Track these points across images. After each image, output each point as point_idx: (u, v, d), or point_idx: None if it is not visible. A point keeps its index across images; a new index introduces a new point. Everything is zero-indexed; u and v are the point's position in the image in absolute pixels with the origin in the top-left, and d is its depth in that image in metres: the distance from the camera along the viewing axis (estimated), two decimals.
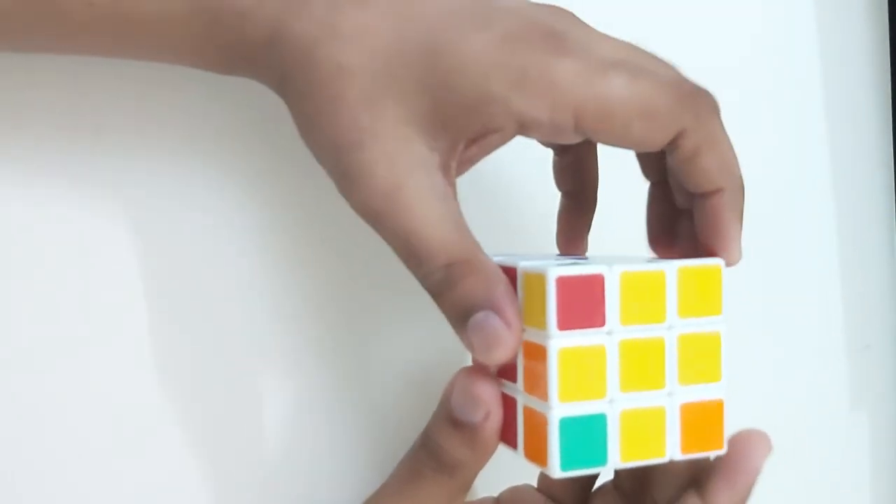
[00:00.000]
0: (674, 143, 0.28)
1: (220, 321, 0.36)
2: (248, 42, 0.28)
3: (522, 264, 0.27)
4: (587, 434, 0.26)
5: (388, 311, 0.39)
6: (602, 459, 0.26)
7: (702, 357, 0.27)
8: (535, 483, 0.34)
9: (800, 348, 0.51)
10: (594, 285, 0.25)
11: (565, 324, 0.25)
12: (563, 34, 0.28)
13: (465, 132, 0.27)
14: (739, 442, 0.28)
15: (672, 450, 0.27)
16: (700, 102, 0.28)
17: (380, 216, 0.27)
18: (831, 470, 0.54)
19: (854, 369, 0.53)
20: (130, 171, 0.34)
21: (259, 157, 0.36)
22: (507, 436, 0.28)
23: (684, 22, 0.46)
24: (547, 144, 0.34)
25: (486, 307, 0.26)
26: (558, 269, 0.25)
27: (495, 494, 0.34)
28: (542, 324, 0.25)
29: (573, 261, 0.29)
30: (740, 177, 0.29)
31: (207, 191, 0.35)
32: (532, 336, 0.26)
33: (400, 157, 0.27)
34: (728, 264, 0.28)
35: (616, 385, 0.26)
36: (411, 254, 0.27)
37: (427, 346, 0.39)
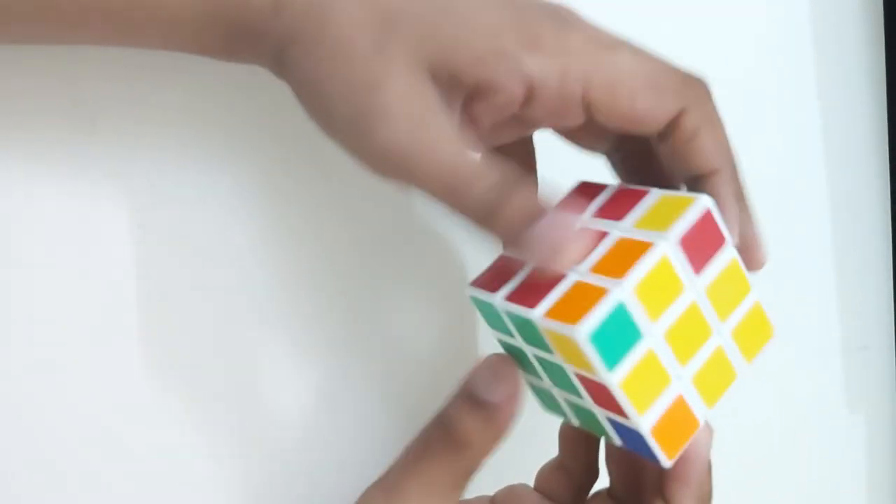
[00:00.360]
0: (675, 123, 0.28)
1: (223, 314, 0.36)
2: (253, 11, 0.27)
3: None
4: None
5: (399, 303, 0.39)
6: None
7: (716, 378, 0.29)
8: (531, 483, 0.34)
9: (797, 349, 0.51)
10: (715, 240, 0.27)
11: (687, 243, 0.26)
12: (569, 16, 0.28)
13: (467, 84, 0.27)
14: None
15: (647, 419, 0.27)
16: (699, 86, 0.29)
17: (410, 153, 0.26)
18: (828, 470, 0.54)
19: (851, 370, 0.53)
20: (128, 163, 0.34)
21: (260, 147, 0.36)
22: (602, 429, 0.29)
23: (680, 23, 0.46)
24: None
25: (548, 215, 0.26)
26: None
27: (491, 493, 0.34)
28: (664, 227, 0.26)
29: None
30: (735, 158, 0.30)
31: (208, 181, 0.35)
32: (639, 235, 0.27)
33: (417, 96, 0.26)
34: (737, 245, 0.29)
35: (664, 327, 0.27)
36: (452, 183, 0.26)
37: (439, 338, 0.39)
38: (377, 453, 0.37)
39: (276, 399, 0.37)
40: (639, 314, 0.26)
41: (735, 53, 0.48)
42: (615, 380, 0.26)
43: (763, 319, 0.29)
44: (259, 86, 0.31)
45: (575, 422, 0.31)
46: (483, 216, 0.26)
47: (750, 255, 0.30)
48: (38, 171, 0.33)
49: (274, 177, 0.36)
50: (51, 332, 0.33)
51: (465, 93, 0.28)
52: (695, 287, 0.27)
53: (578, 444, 0.33)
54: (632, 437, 0.28)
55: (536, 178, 0.34)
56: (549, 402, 0.31)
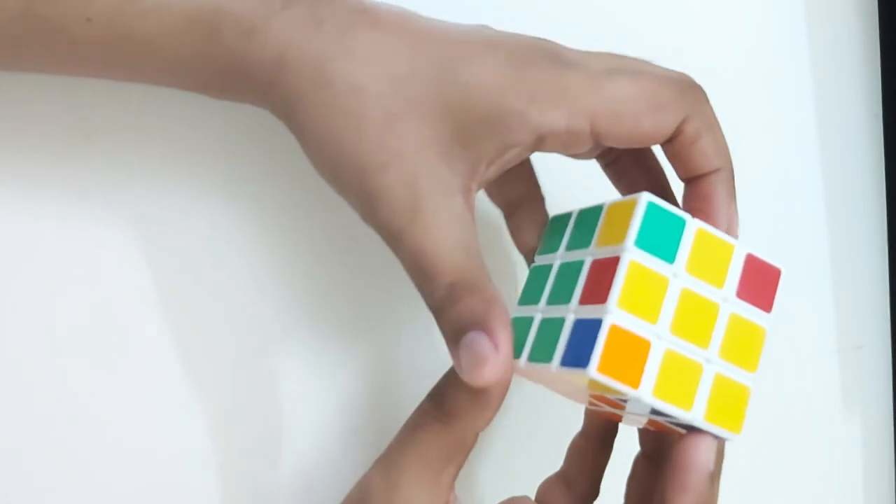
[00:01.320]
0: (677, 130, 0.30)
1: (220, 320, 0.36)
2: (253, 62, 0.27)
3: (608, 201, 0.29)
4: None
5: (402, 307, 0.39)
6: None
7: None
8: (532, 495, 0.34)
9: (792, 349, 0.51)
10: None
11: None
12: (560, 53, 0.29)
13: (486, 151, 0.28)
14: (682, 443, 0.29)
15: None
16: (696, 93, 0.30)
17: (396, 235, 0.28)
18: (824, 470, 0.54)
19: (846, 370, 0.53)
20: (123, 176, 0.34)
21: (255, 157, 0.35)
22: (543, 350, 0.29)
23: (675, 23, 0.46)
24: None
25: (479, 328, 0.26)
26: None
27: None
28: (620, 239, 0.27)
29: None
30: (731, 160, 0.31)
31: (205, 193, 0.35)
32: (604, 253, 0.28)
33: (421, 178, 0.28)
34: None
35: (667, 324, 0.27)
36: (419, 271, 0.28)
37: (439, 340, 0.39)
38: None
39: (281, 400, 0.37)
40: (685, 247, 0.28)
41: (730, 52, 0.48)
42: (648, 397, 0.26)
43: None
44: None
45: (560, 355, 0.29)
46: (434, 308, 0.28)
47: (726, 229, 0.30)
48: (32, 185, 0.33)
49: (274, 183, 0.36)
50: (48, 344, 0.33)
51: (483, 162, 0.28)
52: (677, 274, 0.28)
53: (585, 457, 0.33)
54: (578, 343, 0.27)
55: (541, 196, 0.34)
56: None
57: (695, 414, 0.27)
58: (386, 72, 0.28)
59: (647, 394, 0.27)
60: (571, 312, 0.28)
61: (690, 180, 0.31)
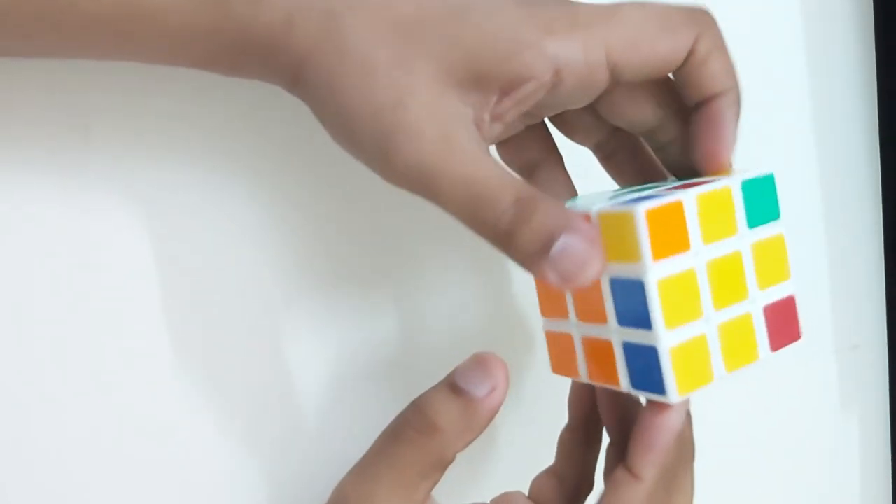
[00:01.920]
0: (689, 51, 0.30)
1: (225, 313, 0.36)
2: (262, 27, 0.27)
3: (597, 207, 0.28)
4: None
5: (412, 295, 0.39)
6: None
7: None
8: (525, 490, 0.34)
9: (789, 348, 0.51)
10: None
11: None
12: None
13: (498, 82, 0.28)
14: (649, 407, 0.29)
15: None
16: (703, 12, 0.30)
17: (434, 170, 0.26)
18: (821, 469, 0.54)
19: (843, 369, 0.53)
20: (122, 170, 0.34)
21: (255, 148, 0.36)
22: (569, 368, 0.30)
23: None
24: (557, 120, 0.34)
25: (567, 231, 0.26)
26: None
27: (487, 501, 0.34)
28: (636, 257, 0.26)
29: (628, 195, 0.29)
30: (739, 82, 0.31)
31: (204, 183, 0.35)
32: (622, 271, 0.27)
33: (441, 111, 0.27)
34: (718, 168, 0.30)
35: (710, 306, 0.27)
36: (475, 199, 0.26)
37: (450, 328, 0.39)
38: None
39: (286, 392, 0.37)
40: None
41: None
42: (653, 275, 0.26)
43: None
44: (255, 89, 0.30)
45: (584, 372, 0.30)
46: (504, 233, 0.26)
47: (720, 151, 0.31)
48: (30, 179, 0.33)
49: (276, 172, 0.36)
50: (51, 336, 0.33)
51: (496, 92, 0.28)
52: (698, 251, 0.27)
53: (575, 450, 0.33)
54: (642, 370, 0.27)
55: (559, 155, 0.34)
56: (561, 358, 0.32)
57: (763, 353, 0.28)
58: (395, 17, 0.27)
59: (722, 374, 0.27)
60: (615, 333, 0.28)
61: (699, 104, 0.31)
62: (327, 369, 0.38)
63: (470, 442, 0.28)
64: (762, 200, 0.29)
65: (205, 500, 0.35)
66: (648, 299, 0.26)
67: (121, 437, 0.34)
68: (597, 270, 0.25)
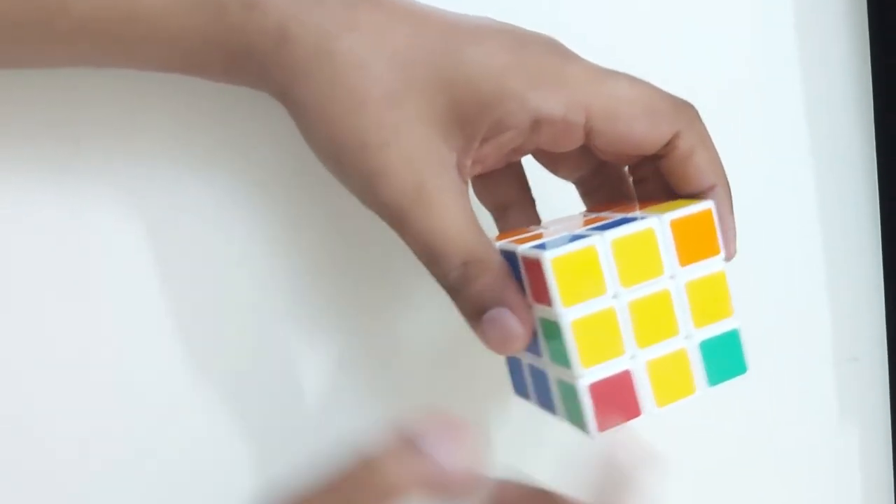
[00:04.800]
0: (671, 145, 0.30)
1: (218, 321, 0.36)
2: (256, 37, 0.27)
3: (520, 249, 0.28)
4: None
5: (406, 300, 0.39)
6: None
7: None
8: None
9: (788, 361, 0.51)
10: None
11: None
12: (563, 47, 0.30)
13: (481, 129, 0.28)
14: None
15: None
16: (689, 109, 0.31)
17: (401, 216, 0.28)
18: (822, 483, 0.54)
19: (843, 382, 0.53)
20: (113, 179, 0.34)
21: (248, 155, 0.35)
22: (546, 402, 0.30)
23: (666, 33, 0.45)
24: (541, 155, 0.34)
25: (500, 304, 0.27)
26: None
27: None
28: (549, 301, 0.27)
29: (569, 233, 0.29)
30: (727, 177, 0.31)
31: (196, 191, 0.35)
32: (543, 313, 0.28)
33: (421, 155, 0.28)
34: (727, 258, 0.30)
35: (634, 342, 0.28)
36: (430, 253, 0.28)
37: (443, 334, 0.39)
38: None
39: (285, 398, 0.37)
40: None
41: (720, 61, 0.47)
42: (567, 318, 0.26)
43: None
44: (246, 97, 0.30)
45: (534, 398, 0.31)
46: (449, 289, 0.28)
47: (725, 245, 0.30)
48: (21, 187, 0.32)
49: (272, 173, 0.36)
50: (44, 338, 0.33)
51: (479, 138, 0.28)
52: (674, 277, 0.28)
53: None
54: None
55: (532, 199, 0.35)
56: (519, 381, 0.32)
57: (701, 387, 0.28)
58: (388, 48, 0.27)
59: (652, 410, 0.28)
60: (549, 368, 0.29)
61: (689, 198, 0.31)
62: (326, 369, 0.38)
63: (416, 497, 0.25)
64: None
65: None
66: (565, 339, 0.26)
67: (117, 439, 0.34)
68: (518, 346, 0.27)
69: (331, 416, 0.38)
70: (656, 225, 0.28)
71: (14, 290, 0.32)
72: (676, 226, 0.28)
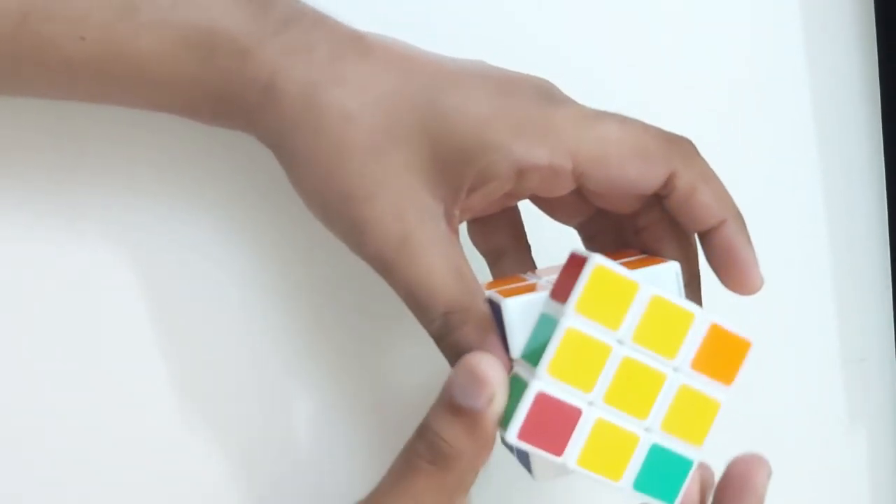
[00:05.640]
0: (669, 185, 0.29)
1: (216, 335, 0.36)
2: (244, 85, 0.27)
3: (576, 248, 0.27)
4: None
5: (405, 316, 0.39)
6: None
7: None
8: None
9: (795, 362, 0.51)
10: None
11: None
12: (551, 91, 0.29)
13: (465, 179, 0.28)
14: (741, 467, 0.29)
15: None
16: (684, 145, 0.30)
17: (387, 266, 0.28)
18: (830, 483, 0.54)
19: (850, 382, 0.53)
20: (117, 194, 0.34)
21: (250, 169, 0.35)
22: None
23: (670, 33, 0.45)
24: (539, 200, 0.33)
25: (480, 352, 0.27)
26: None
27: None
28: (565, 298, 0.26)
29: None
30: (737, 206, 0.30)
31: (198, 209, 0.35)
32: (551, 309, 0.27)
33: (407, 207, 0.28)
34: (752, 291, 0.30)
35: (602, 392, 0.26)
36: (413, 303, 0.28)
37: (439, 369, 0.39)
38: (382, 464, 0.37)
39: (278, 410, 0.37)
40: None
41: (726, 60, 0.47)
42: (572, 464, 0.26)
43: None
44: None
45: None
46: (433, 337, 0.28)
47: (748, 278, 0.30)
48: (25, 202, 0.33)
49: (270, 197, 0.36)
50: (40, 355, 0.33)
51: (464, 188, 0.28)
52: (622, 341, 0.26)
53: None
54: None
55: (527, 245, 0.34)
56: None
57: (625, 483, 0.27)
58: (374, 99, 0.28)
59: (571, 462, 0.26)
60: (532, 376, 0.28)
61: (702, 235, 0.31)
62: (318, 410, 0.38)
63: (486, 458, 0.27)
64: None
65: None
66: (552, 338, 0.26)
67: (99, 481, 0.34)
68: (490, 394, 0.26)
69: (323, 455, 0.38)
70: (699, 316, 0.27)
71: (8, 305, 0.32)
72: (713, 332, 0.27)
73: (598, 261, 0.26)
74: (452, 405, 0.27)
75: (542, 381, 0.26)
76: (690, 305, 0.27)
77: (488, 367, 0.27)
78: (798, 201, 0.50)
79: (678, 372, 0.27)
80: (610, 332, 0.26)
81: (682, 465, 0.28)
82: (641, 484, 0.27)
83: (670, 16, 0.45)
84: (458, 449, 0.27)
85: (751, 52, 0.48)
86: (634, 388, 0.27)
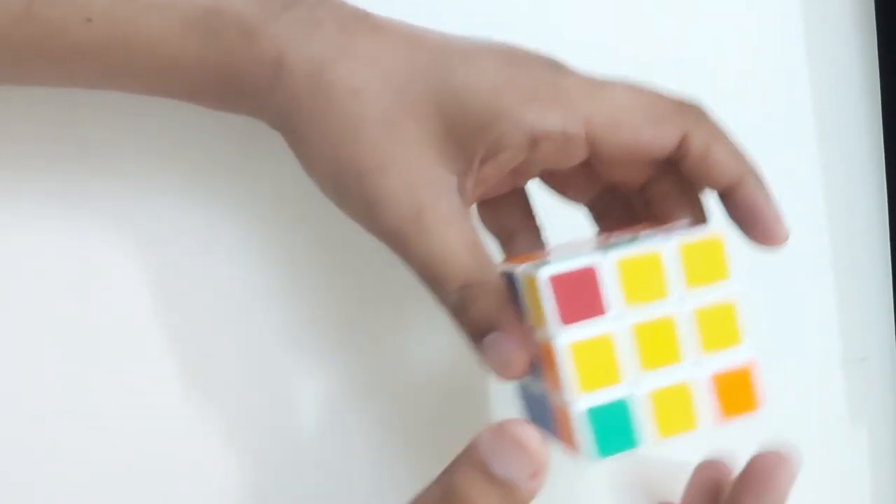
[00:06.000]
0: (683, 148, 0.29)
1: (221, 331, 0.36)
2: (251, 64, 0.27)
3: (519, 269, 0.27)
4: (615, 419, 0.26)
5: (408, 312, 0.39)
6: (634, 441, 0.27)
7: (720, 325, 0.27)
8: None
9: (796, 361, 0.51)
10: (588, 278, 0.26)
11: (568, 318, 0.26)
12: (559, 62, 0.29)
13: (478, 150, 0.28)
14: (764, 465, 0.29)
15: (705, 419, 0.27)
16: (694, 108, 0.30)
17: (402, 240, 0.28)
18: (831, 483, 0.54)
19: (852, 382, 0.53)
20: (120, 187, 0.34)
21: (253, 163, 0.35)
22: (546, 427, 0.29)
23: (671, 28, 0.45)
24: (549, 178, 0.33)
25: (497, 327, 0.27)
26: (548, 269, 0.26)
27: None
28: (543, 321, 0.26)
29: (577, 252, 0.28)
30: (754, 162, 0.30)
31: (204, 199, 0.35)
32: (542, 335, 0.27)
33: (420, 180, 0.28)
34: (779, 243, 0.30)
35: (637, 367, 0.27)
36: (430, 277, 0.28)
37: (447, 346, 0.39)
38: (387, 465, 0.37)
39: (282, 406, 0.37)
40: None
41: (728, 59, 0.47)
42: (565, 341, 0.26)
43: (700, 245, 0.27)
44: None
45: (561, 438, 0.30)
46: (449, 312, 0.28)
47: (773, 231, 0.30)
48: (25, 196, 0.32)
49: (275, 189, 0.36)
50: (42, 351, 0.33)
51: (477, 159, 0.28)
52: (619, 315, 0.26)
53: None
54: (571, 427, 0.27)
55: (537, 226, 0.34)
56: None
57: (704, 425, 0.27)
58: (383, 73, 0.27)
59: (652, 442, 0.27)
60: (547, 392, 0.28)
61: (722, 195, 0.30)
62: (327, 393, 0.37)
63: None
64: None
65: None
66: (560, 363, 0.26)
67: (106, 471, 0.34)
68: (518, 371, 0.27)
69: (332, 440, 0.37)
70: (664, 249, 0.27)
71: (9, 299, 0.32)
72: (685, 250, 0.27)
73: (546, 273, 0.25)
74: (486, 472, 0.25)
75: (582, 402, 0.26)
76: (650, 246, 0.27)
77: (535, 441, 0.25)
78: (798, 199, 0.50)
79: (683, 301, 0.27)
80: (601, 319, 0.26)
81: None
82: (721, 413, 0.28)
83: (671, 12, 0.45)
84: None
85: (751, 48, 0.48)
86: (658, 345, 0.27)
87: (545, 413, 0.29)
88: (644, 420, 0.27)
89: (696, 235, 0.27)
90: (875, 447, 0.54)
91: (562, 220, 0.34)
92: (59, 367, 0.33)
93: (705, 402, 0.27)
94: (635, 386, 0.27)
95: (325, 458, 0.37)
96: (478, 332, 0.27)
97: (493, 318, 0.27)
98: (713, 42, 0.46)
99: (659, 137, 0.29)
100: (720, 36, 0.47)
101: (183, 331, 0.35)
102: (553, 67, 0.29)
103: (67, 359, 0.33)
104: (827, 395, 0.52)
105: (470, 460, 0.25)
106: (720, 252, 0.27)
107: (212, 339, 0.35)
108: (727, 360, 0.28)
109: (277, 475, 0.37)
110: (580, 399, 0.26)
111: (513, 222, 0.34)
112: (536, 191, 0.34)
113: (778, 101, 0.49)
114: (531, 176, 0.32)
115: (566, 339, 0.26)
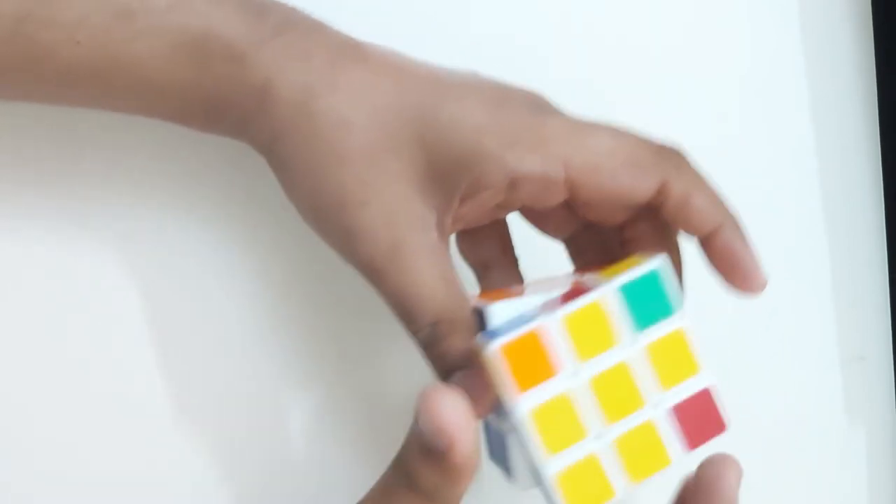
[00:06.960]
0: (663, 194, 0.29)
1: (211, 339, 0.36)
2: (240, 89, 0.27)
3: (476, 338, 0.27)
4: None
5: (395, 345, 0.39)
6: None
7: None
8: None
9: (794, 361, 0.51)
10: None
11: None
12: (544, 103, 0.30)
13: (458, 188, 0.28)
14: (711, 469, 0.28)
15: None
16: (675, 155, 0.30)
17: (377, 274, 0.28)
18: (829, 483, 0.54)
19: (849, 381, 0.53)
20: (116, 196, 0.34)
21: (247, 172, 0.35)
22: (506, 468, 0.29)
23: (671, 33, 0.45)
24: (528, 212, 0.33)
25: (464, 366, 0.27)
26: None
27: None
28: (504, 393, 0.26)
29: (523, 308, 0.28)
30: (733, 210, 0.30)
31: (197, 207, 0.35)
32: (503, 404, 0.26)
33: (399, 215, 0.28)
34: (756, 290, 0.30)
35: (601, 418, 0.26)
36: (402, 311, 0.28)
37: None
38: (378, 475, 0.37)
39: (284, 418, 0.37)
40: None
41: (723, 63, 0.47)
42: (524, 409, 0.25)
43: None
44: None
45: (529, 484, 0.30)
46: (422, 347, 0.28)
47: (751, 278, 0.30)
48: (24, 203, 0.33)
49: (267, 201, 0.35)
50: (38, 357, 0.33)
51: (457, 197, 0.28)
52: (576, 371, 0.26)
53: None
54: (545, 491, 0.27)
55: (514, 258, 0.34)
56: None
57: (677, 458, 0.27)
58: (370, 106, 0.28)
59: (629, 489, 0.26)
60: (508, 435, 0.28)
61: (702, 241, 0.31)
62: (314, 417, 0.38)
63: (468, 484, 0.27)
64: (649, 300, 0.27)
65: None
66: (523, 431, 0.25)
67: (100, 494, 0.34)
68: (482, 412, 0.26)
69: (314, 458, 0.38)
70: (603, 296, 0.26)
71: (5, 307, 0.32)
72: (626, 292, 0.27)
73: (495, 344, 0.25)
74: (423, 446, 0.26)
75: (550, 467, 0.26)
76: (591, 296, 0.26)
77: (447, 410, 0.25)
78: (796, 201, 0.50)
79: (634, 343, 0.27)
80: (557, 378, 0.26)
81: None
82: (692, 442, 0.28)
83: (667, 17, 0.45)
84: (435, 482, 0.26)
85: (748, 53, 0.48)
86: (618, 392, 0.27)
87: (501, 450, 0.29)
88: (615, 469, 0.26)
89: (634, 273, 0.27)
90: (873, 447, 0.54)
91: (541, 252, 0.34)
92: (47, 373, 0.33)
93: (671, 436, 0.27)
94: (603, 438, 0.26)
95: (311, 462, 0.38)
96: (446, 368, 0.28)
97: (462, 355, 0.27)
98: (709, 50, 0.47)
99: (638, 184, 0.29)
100: (716, 43, 0.47)
101: (172, 339, 0.35)
102: (538, 108, 0.29)
103: (54, 366, 0.33)
104: (825, 395, 0.52)
105: (411, 434, 0.27)
106: (660, 287, 0.27)
107: (200, 348, 0.35)
108: (685, 390, 0.27)
109: (262, 478, 0.37)
110: (548, 463, 0.26)
111: (489, 254, 0.34)
112: (516, 222, 0.34)
113: (775, 102, 0.49)
114: (511, 210, 0.32)
115: (525, 406, 0.25)
